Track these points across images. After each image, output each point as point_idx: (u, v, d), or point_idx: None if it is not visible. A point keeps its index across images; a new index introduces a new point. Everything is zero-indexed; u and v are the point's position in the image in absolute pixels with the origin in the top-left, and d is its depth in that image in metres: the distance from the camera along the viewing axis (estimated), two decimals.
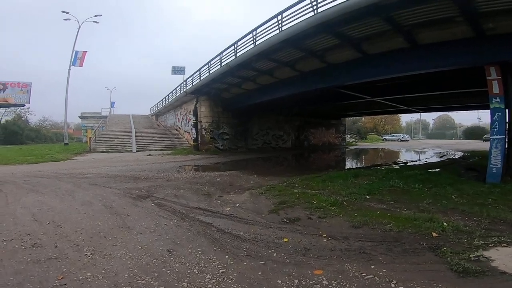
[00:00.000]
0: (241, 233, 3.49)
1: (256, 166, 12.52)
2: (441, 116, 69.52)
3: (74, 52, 24.05)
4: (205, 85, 15.65)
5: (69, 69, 23.93)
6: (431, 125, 76.80)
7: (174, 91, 22.67)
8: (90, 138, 18.16)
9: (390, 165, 12.95)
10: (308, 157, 19.01)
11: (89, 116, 30.41)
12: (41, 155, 13.76)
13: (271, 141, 21.81)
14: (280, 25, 8.86)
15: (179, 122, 23.49)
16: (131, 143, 18.76)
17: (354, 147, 30.33)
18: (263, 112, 20.15)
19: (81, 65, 24.75)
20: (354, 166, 13.64)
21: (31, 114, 45.75)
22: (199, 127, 17.61)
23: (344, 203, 4.87)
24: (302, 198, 5.25)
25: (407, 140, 47.02)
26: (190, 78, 17.95)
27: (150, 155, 15.30)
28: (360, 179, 7.46)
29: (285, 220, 4.02)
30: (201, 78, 15.74)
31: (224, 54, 12.92)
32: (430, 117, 71.40)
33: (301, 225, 3.79)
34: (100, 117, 30.05)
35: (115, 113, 36.89)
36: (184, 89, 18.98)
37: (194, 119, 17.59)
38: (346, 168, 12.73)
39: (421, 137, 64.98)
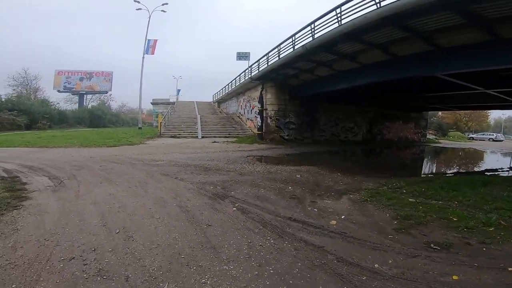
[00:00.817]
0: (376, 265, 2.33)
1: (332, 161, 11.00)
2: None
3: (146, 40, 25.38)
4: (273, 71, 14.42)
5: (143, 57, 25.43)
6: None
7: (238, 77, 22.07)
8: (160, 123, 18.83)
9: (507, 171, 10.03)
10: (387, 154, 16.58)
11: (159, 102, 32.33)
12: (118, 139, 14.51)
13: (339, 133, 19.70)
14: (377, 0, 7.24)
15: (241, 109, 22.99)
16: (197, 129, 18.87)
17: (436, 145, 25.99)
18: (333, 101, 18.14)
19: (153, 53, 26.09)
20: (459, 170, 10.97)
21: (112, 100, 51.72)
22: (264, 115, 16.62)
23: (502, 222, 3.47)
24: (431, 212, 3.84)
25: (500, 141, 38.82)
26: (256, 64, 16.93)
27: (215, 142, 14.96)
28: (492, 188, 5.57)
29: (431, 245, 2.77)
30: (269, 63, 14.56)
31: (297, 36, 11.53)
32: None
33: (463, 253, 2.62)
34: (168, 103, 31.69)
35: (181, 100, 38.72)
36: (249, 75, 18.11)
37: (259, 106, 16.64)
38: (449, 171, 10.26)
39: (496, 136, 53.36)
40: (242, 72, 20.70)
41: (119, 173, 5.99)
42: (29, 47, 64.73)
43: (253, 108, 19.46)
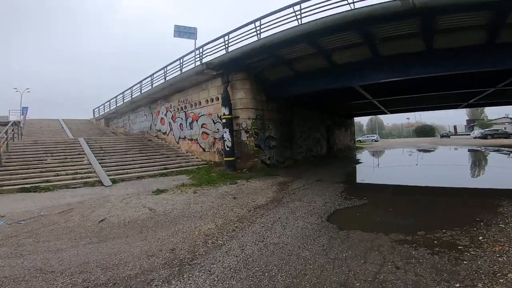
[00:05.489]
0: None
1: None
2: (372, 118, 72.32)
3: None
4: (269, 48, 7.83)
5: None
6: (364, 127, 79.84)
7: (163, 72, 13.81)
8: None
9: None
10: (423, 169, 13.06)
11: None
12: None
13: (312, 147, 15.01)
14: None
15: (163, 124, 14.65)
16: (90, 165, 9.50)
17: (376, 149, 25.65)
18: (307, 105, 13.38)
19: None
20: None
21: None
22: (234, 128, 9.69)
23: None
24: None
25: (377, 141, 46.21)
26: (222, 42, 9.46)
27: (159, 191, 6.84)
28: None
29: None
30: (261, 37, 7.99)
31: None
32: (361, 120, 74.03)
33: None
34: (6, 123, 18.48)
35: (32, 118, 24.76)
36: (198, 61, 10.64)
37: (225, 113, 9.50)
38: None
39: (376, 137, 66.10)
40: (174, 63, 12.56)
41: None
42: None
43: (194, 119, 11.97)
